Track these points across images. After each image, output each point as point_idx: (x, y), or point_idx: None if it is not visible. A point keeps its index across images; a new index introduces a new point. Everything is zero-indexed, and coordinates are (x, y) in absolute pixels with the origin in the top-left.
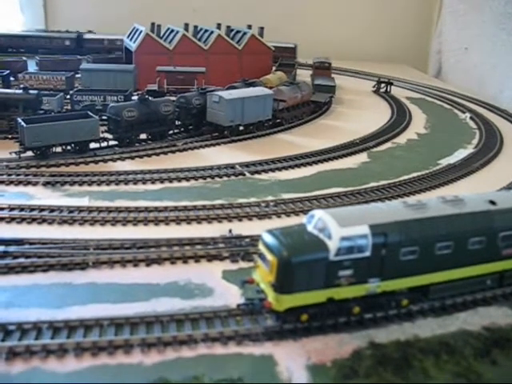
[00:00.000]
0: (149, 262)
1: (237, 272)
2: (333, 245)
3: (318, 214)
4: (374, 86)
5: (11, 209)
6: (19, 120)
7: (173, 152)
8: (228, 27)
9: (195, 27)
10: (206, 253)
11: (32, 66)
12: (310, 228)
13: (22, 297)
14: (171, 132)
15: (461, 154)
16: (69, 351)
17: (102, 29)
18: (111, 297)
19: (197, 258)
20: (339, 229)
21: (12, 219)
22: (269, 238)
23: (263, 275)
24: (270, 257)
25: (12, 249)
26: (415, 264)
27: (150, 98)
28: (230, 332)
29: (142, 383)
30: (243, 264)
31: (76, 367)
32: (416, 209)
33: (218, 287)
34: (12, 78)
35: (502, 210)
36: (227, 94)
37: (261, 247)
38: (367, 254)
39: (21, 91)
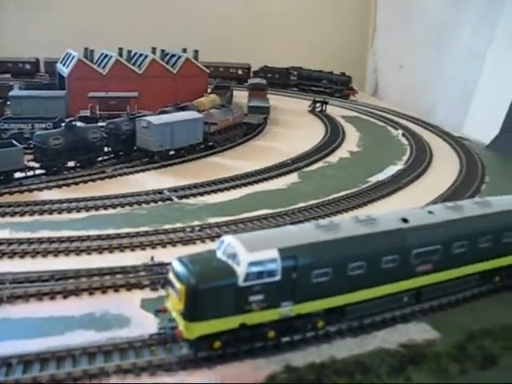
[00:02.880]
0: (66, 293)
1: (156, 300)
2: (241, 270)
3: (227, 239)
4: (309, 106)
5: None
6: None
7: (101, 179)
8: (162, 51)
9: (129, 52)
10: (125, 282)
11: None
12: (219, 254)
13: None
14: (100, 159)
15: (390, 171)
16: None
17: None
18: (24, 332)
19: (116, 288)
20: (247, 254)
21: None
22: (178, 266)
23: (174, 304)
24: (178, 285)
25: None
26: (328, 285)
27: (76, 124)
28: (143, 363)
29: None
30: (163, 292)
31: None
32: (327, 230)
33: (135, 317)
34: None
35: (415, 227)
36: (156, 119)
37: (170, 275)
38: (277, 278)
39: None
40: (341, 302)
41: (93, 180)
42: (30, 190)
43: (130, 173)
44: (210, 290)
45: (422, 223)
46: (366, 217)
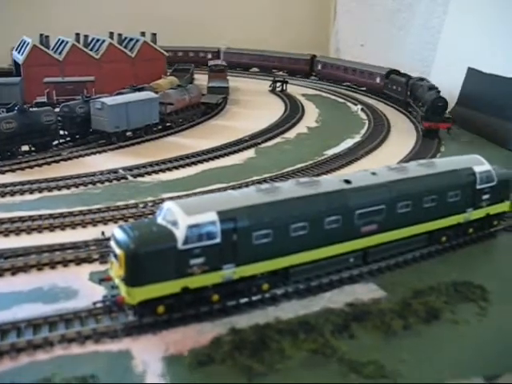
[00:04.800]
0: (14, 270)
1: (105, 272)
2: (180, 234)
3: (167, 204)
4: (270, 86)
5: None
6: None
7: (57, 162)
8: (120, 35)
9: (86, 37)
10: (75, 257)
11: None
12: (159, 220)
13: None
14: (56, 142)
15: (347, 144)
16: None
17: None
18: None
19: (65, 263)
20: (186, 217)
21: None
22: (118, 233)
23: (115, 271)
24: (118, 251)
25: None
26: (271, 247)
27: (29, 108)
28: (87, 331)
29: None
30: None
31: None
32: (267, 192)
33: (83, 289)
34: None
35: (357, 188)
36: (110, 100)
37: (112, 243)
38: (218, 240)
39: None
40: (284, 264)
41: (48, 163)
42: None
43: (86, 155)
44: (150, 254)
45: (364, 184)
46: (308, 179)
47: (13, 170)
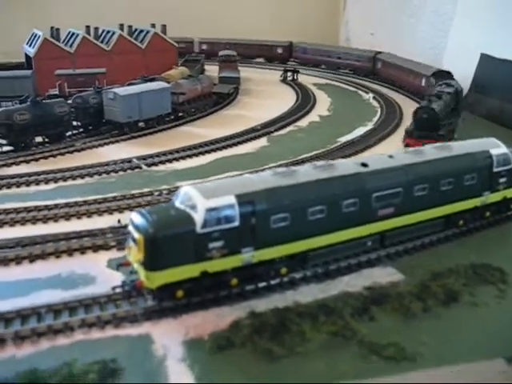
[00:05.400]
0: (32, 258)
1: (122, 259)
2: (199, 217)
3: (184, 189)
4: (281, 76)
5: None
6: None
7: (70, 152)
8: (130, 27)
9: (96, 29)
10: (92, 244)
11: None
12: (177, 204)
13: None
14: (70, 133)
15: (360, 132)
16: None
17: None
18: None
19: (82, 250)
20: (204, 200)
21: None
22: (137, 218)
23: (134, 255)
24: (137, 235)
25: None
26: (289, 231)
27: (42, 99)
28: (107, 316)
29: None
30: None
31: None
32: (285, 176)
33: (101, 275)
34: None
35: (374, 171)
36: (122, 91)
37: (130, 228)
38: (236, 223)
39: None
40: (302, 248)
41: (61, 154)
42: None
43: (100, 145)
44: (169, 238)
45: (381, 167)
46: (325, 162)
47: (27, 161)
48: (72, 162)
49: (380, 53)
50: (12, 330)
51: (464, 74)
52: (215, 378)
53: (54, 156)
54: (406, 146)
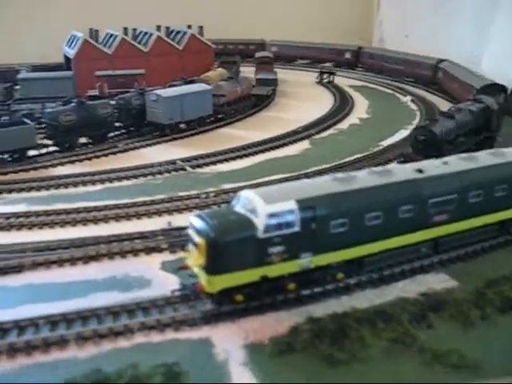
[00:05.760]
0: (86, 259)
1: (176, 262)
2: (260, 222)
3: (245, 193)
4: (317, 77)
5: None
6: None
7: (114, 153)
8: (167, 28)
9: (134, 30)
10: (144, 246)
11: None
12: (237, 208)
13: None
14: (112, 134)
15: (401, 135)
16: (1, 352)
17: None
18: (47, 296)
19: (135, 252)
20: (265, 206)
21: None
22: (197, 222)
23: (194, 259)
24: (198, 239)
25: None
26: (347, 236)
27: (86, 101)
28: (166, 319)
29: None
30: (182, 254)
31: (8, 368)
32: (344, 181)
33: (155, 278)
34: None
35: (430, 177)
36: (165, 92)
37: (190, 231)
38: (296, 228)
39: None
40: (359, 253)
41: (105, 155)
42: (45, 167)
43: (142, 146)
44: (231, 243)
45: (437, 173)
46: (382, 168)
47: (72, 162)
48: (116, 163)
49: (443, 61)
50: (74, 331)
51: (504, 76)
52: (277, 382)
53: (97, 157)
54: None
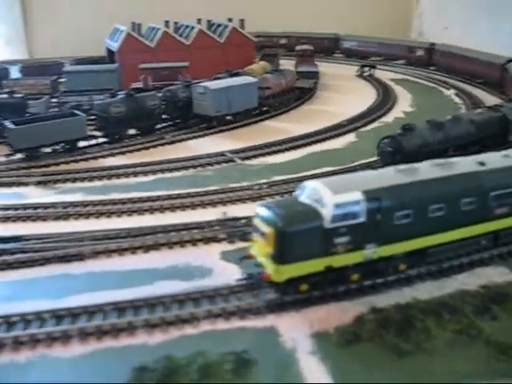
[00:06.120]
0: (146, 248)
1: (234, 252)
2: (327, 212)
3: (311, 184)
4: (357, 71)
5: (6, 209)
6: (6, 123)
7: (162, 145)
8: (208, 21)
9: (175, 23)
10: (202, 236)
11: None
12: (302, 198)
13: (23, 290)
14: (159, 126)
15: None
16: (73, 337)
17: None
18: (110, 284)
19: (194, 242)
20: (332, 196)
21: (7, 218)
22: (264, 211)
23: (260, 248)
24: (266, 229)
25: (10, 246)
26: (410, 228)
27: (135, 93)
28: (232, 307)
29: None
30: (240, 244)
31: (81, 352)
32: (407, 173)
33: (216, 267)
34: None
35: (492, 170)
36: (212, 85)
37: (256, 221)
38: (362, 219)
39: (6, 96)
40: (422, 245)
41: (154, 146)
42: (95, 158)
43: (189, 138)
44: (298, 233)
45: (498, 166)
46: (444, 160)
47: (122, 153)
48: (164, 154)
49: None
50: (142, 317)
51: None
52: (347, 371)
53: (146, 148)
54: None
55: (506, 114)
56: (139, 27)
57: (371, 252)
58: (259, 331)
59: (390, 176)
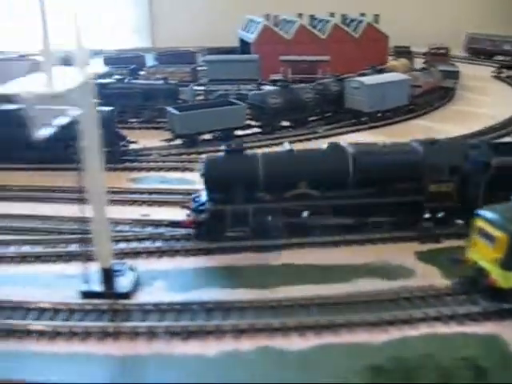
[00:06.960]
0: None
1: (428, 253)
2: None
3: None
4: (494, 71)
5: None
6: (170, 109)
7: (316, 139)
8: (343, 16)
9: (311, 17)
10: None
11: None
12: None
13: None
14: (310, 119)
15: None
16: (292, 330)
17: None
18: (314, 277)
19: (384, 240)
20: None
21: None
22: (491, 215)
23: (484, 252)
24: (496, 233)
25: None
26: None
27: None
28: (448, 311)
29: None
30: (431, 245)
31: (301, 346)
32: None
33: (416, 268)
34: None
35: None
36: (367, 80)
37: (480, 224)
38: None
39: (161, 82)
40: None
41: (308, 139)
42: (250, 148)
43: (342, 133)
44: None
45: None
46: None
47: (276, 144)
48: None
49: None
50: (360, 315)
51: None
52: None
53: (300, 141)
54: None
55: None
56: (276, 19)
57: None
58: (483, 338)
59: None
